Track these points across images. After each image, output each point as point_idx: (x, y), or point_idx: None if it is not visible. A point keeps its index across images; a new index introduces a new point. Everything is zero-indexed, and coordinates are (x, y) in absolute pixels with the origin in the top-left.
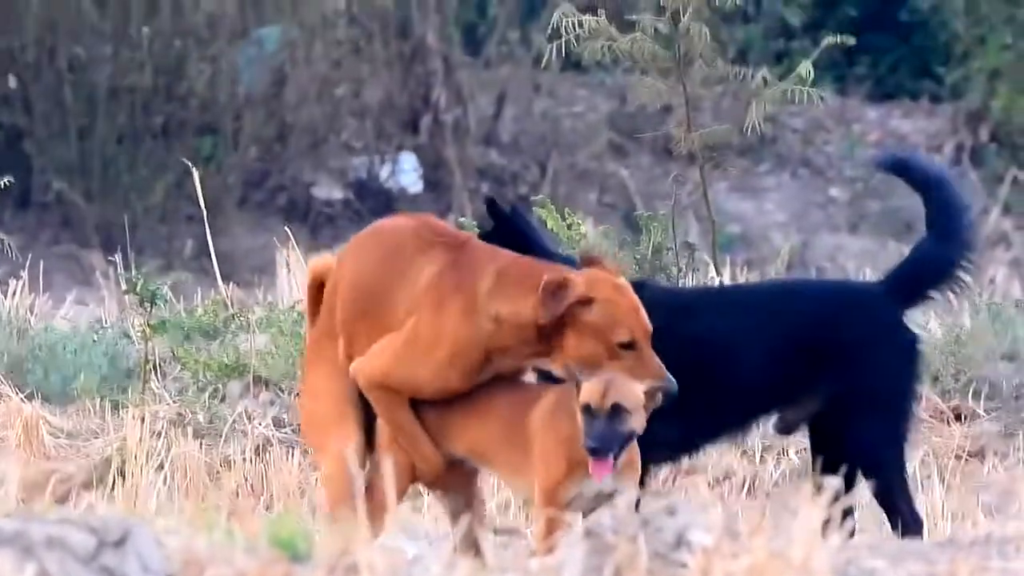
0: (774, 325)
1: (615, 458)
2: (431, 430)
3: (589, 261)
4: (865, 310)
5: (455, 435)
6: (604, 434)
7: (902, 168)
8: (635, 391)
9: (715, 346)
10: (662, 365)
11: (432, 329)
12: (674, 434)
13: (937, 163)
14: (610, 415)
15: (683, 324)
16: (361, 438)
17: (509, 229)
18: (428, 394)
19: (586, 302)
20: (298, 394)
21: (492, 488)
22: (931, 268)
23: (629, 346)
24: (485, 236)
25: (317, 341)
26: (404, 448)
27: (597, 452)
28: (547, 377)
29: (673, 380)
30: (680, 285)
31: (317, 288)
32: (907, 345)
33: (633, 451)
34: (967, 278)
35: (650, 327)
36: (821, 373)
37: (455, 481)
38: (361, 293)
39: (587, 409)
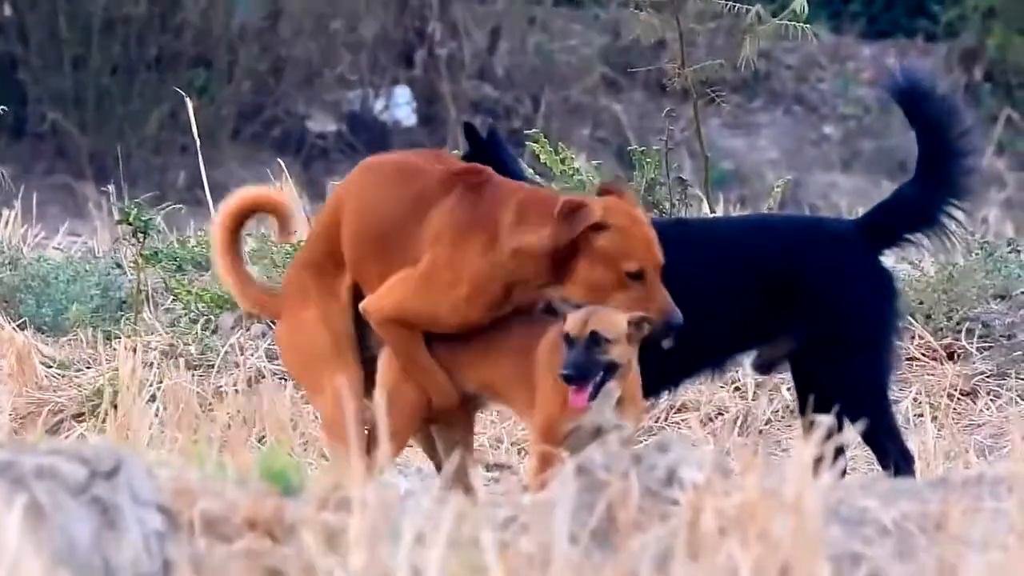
0: (744, 259)
1: (596, 388)
2: (444, 366)
3: (607, 190)
4: (835, 247)
5: (468, 370)
6: (579, 362)
7: (907, 100)
8: (617, 321)
9: (687, 279)
10: (670, 299)
11: (453, 264)
12: (650, 369)
13: (947, 101)
14: (588, 344)
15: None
16: (359, 371)
17: (484, 154)
18: (446, 329)
19: (601, 228)
20: (279, 322)
21: (484, 423)
22: (910, 211)
23: (638, 276)
24: (464, 160)
25: (302, 275)
26: (418, 383)
27: (571, 379)
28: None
29: (679, 315)
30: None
31: (241, 217)
32: (879, 282)
33: (635, 386)
34: (952, 224)
35: (661, 260)
36: (792, 311)
37: (457, 416)
38: (375, 229)
39: (567, 338)
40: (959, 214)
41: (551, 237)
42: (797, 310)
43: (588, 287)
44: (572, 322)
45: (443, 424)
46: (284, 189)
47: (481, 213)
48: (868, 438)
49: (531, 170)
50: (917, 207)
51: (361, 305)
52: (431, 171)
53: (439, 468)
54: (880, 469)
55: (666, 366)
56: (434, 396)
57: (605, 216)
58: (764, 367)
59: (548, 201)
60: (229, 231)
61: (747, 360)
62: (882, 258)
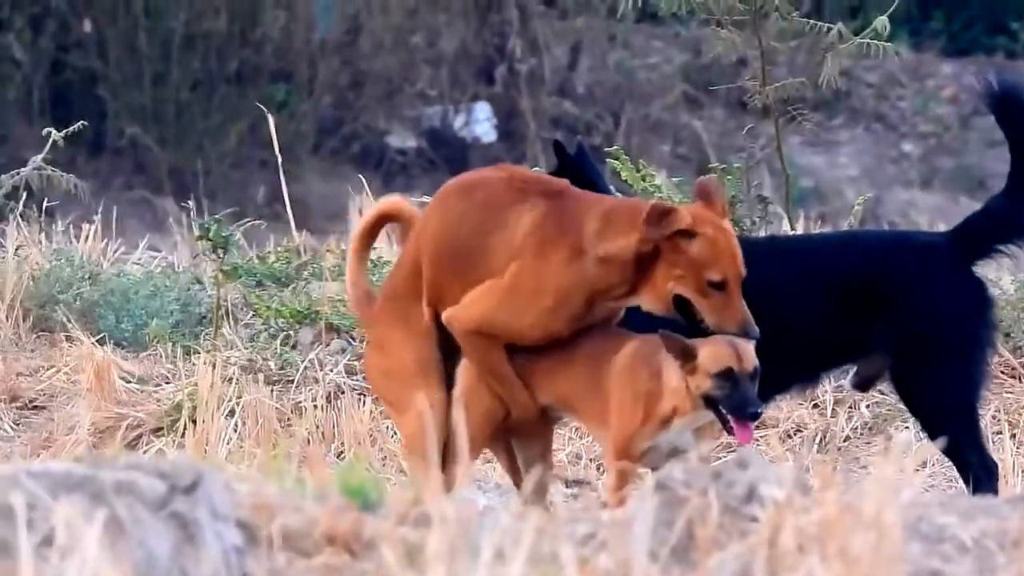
0: (836, 275)
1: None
2: (522, 378)
3: (704, 189)
4: (926, 259)
5: (543, 383)
6: (755, 398)
7: (1002, 110)
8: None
9: (780, 296)
10: (748, 312)
11: (537, 275)
12: None
13: None
14: (753, 377)
15: (750, 273)
16: (445, 394)
17: (574, 170)
18: (529, 340)
19: (688, 234)
20: (367, 345)
21: (563, 440)
22: (1001, 222)
23: (720, 286)
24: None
25: (392, 298)
26: (499, 395)
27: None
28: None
29: (756, 328)
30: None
31: (376, 225)
32: (971, 293)
33: None
34: None
35: (744, 273)
36: (884, 324)
37: (536, 430)
38: (453, 247)
39: (728, 374)
40: None
41: (639, 241)
42: (890, 324)
43: (663, 291)
44: (727, 356)
45: (523, 439)
46: (364, 205)
47: (564, 223)
48: (951, 452)
49: (611, 187)
50: (1009, 218)
51: (444, 315)
52: (499, 180)
53: (518, 485)
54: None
55: (761, 383)
56: (513, 408)
57: (693, 223)
58: (862, 384)
59: (632, 209)
60: (363, 239)
61: (847, 377)
62: (975, 269)
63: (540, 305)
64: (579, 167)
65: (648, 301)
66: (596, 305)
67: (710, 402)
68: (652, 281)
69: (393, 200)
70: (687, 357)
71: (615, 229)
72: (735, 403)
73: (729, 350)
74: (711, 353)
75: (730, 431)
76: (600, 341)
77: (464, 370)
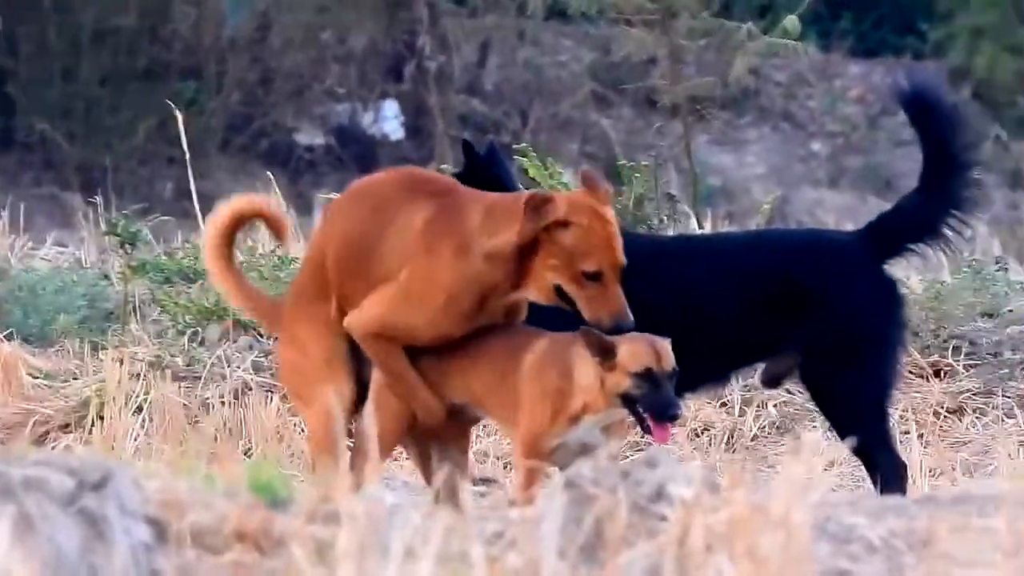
0: (748, 273)
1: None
2: (430, 378)
3: (587, 181)
4: (837, 258)
5: (454, 381)
6: (674, 398)
7: (915, 109)
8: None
9: (691, 295)
10: (625, 303)
11: (427, 275)
12: None
13: (955, 112)
14: (672, 377)
15: (659, 272)
16: (350, 389)
17: (483, 170)
18: (424, 341)
19: (563, 224)
20: (276, 342)
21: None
22: (912, 221)
23: (595, 276)
24: (457, 176)
25: (300, 295)
26: (402, 398)
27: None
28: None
29: (631, 319)
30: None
31: (234, 225)
32: (883, 292)
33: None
34: (953, 235)
35: (622, 262)
36: (795, 323)
37: (450, 433)
38: (352, 250)
39: (648, 373)
40: (950, 233)
41: (518, 233)
42: (800, 322)
43: (544, 284)
44: (647, 356)
45: (439, 440)
46: (272, 201)
47: (451, 221)
48: (861, 452)
49: (521, 186)
50: (920, 218)
51: (345, 321)
52: (391, 182)
53: (430, 482)
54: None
55: None
56: (417, 410)
57: (568, 212)
58: (771, 381)
59: (512, 202)
60: (222, 238)
61: (756, 374)
62: (886, 268)
63: (431, 305)
64: (489, 166)
65: (532, 293)
66: (490, 302)
67: (628, 401)
68: (532, 272)
69: (248, 199)
70: (606, 354)
71: (497, 224)
72: (654, 403)
73: (649, 349)
74: (631, 352)
75: (647, 431)
76: (510, 339)
77: (376, 373)
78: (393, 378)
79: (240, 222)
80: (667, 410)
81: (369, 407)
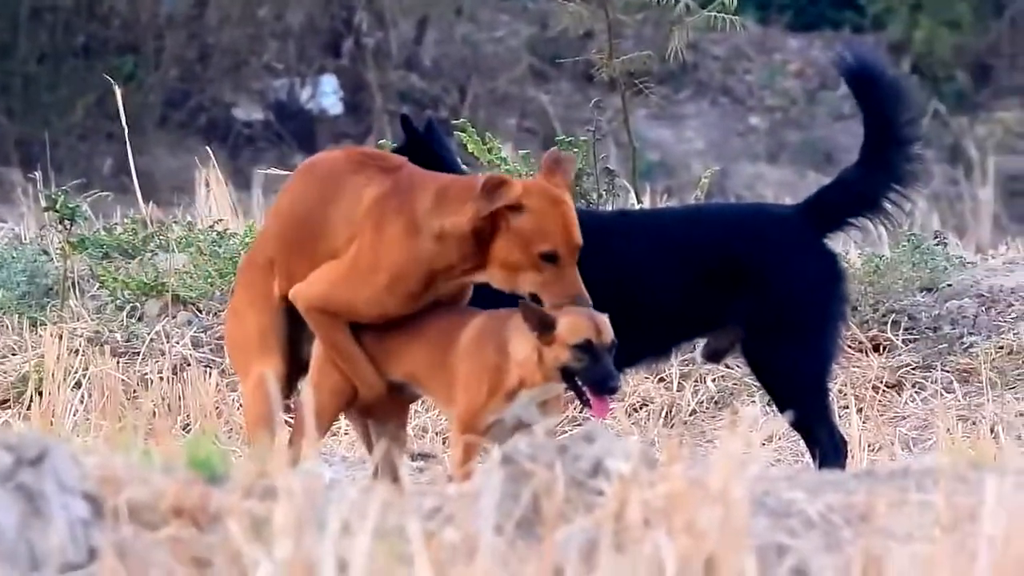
0: (688, 248)
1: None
2: (371, 355)
3: (553, 160)
4: (777, 232)
5: (393, 359)
6: (614, 371)
7: (858, 82)
8: (608, 322)
9: (630, 269)
10: (581, 285)
11: (373, 252)
12: None
13: (897, 85)
14: (609, 349)
15: (602, 247)
16: (283, 365)
17: (422, 146)
18: (367, 318)
19: (518, 207)
20: (223, 315)
21: (409, 413)
22: (853, 194)
23: (551, 258)
24: (397, 152)
25: (248, 268)
26: (343, 372)
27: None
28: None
29: (589, 300)
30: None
31: None
32: (824, 266)
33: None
34: (893, 208)
35: (578, 243)
36: (736, 297)
37: (388, 409)
38: (297, 226)
39: (587, 346)
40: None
41: (472, 213)
42: (740, 296)
43: (503, 268)
44: (587, 329)
45: (374, 418)
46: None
47: (400, 200)
48: (800, 426)
49: (460, 161)
50: (861, 191)
51: (290, 292)
52: (339, 159)
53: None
54: (809, 459)
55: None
56: (359, 385)
57: (524, 196)
58: (713, 355)
59: (467, 184)
60: None
61: (696, 349)
62: (827, 242)
63: (376, 283)
64: (429, 142)
65: (489, 277)
66: (438, 284)
67: (567, 374)
68: (490, 256)
69: None
70: (545, 327)
71: (450, 205)
72: (593, 376)
73: (588, 322)
74: (570, 324)
75: (587, 404)
76: (447, 317)
77: (317, 346)
78: (335, 352)
79: None
80: (606, 382)
81: (308, 382)
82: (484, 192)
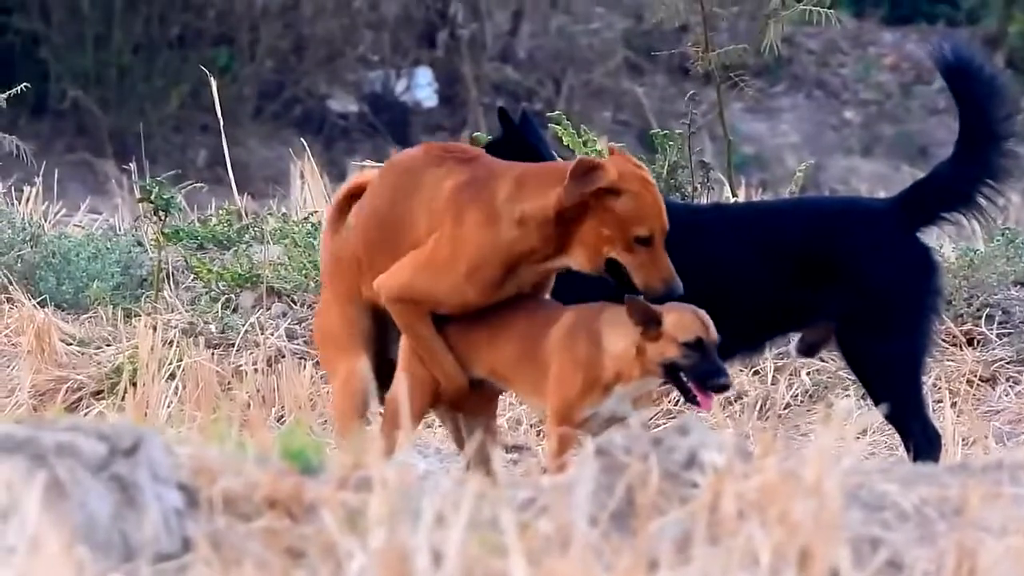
0: (781, 242)
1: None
2: (454, 350)
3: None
4: (870, 226)
5: (476, 355)
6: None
7: (955, 77)
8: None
9: (724, 263)
10: (672, 268)
11: (453, 241)
12: None
13: (994, 80)
14: (715, 347)
15: (696, 240)
16: (369, 361)
17: (518, 138)
18: (448, 308)
19: (614, 190)
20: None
21: (504, 405)
22: (947, 189)
23: (646, 241)
24: (494, 144)
25: (334, 264)
26: (426, 365)
27: (725, 388)
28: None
29: (680, 284)
30: (694, 202)
31: (348, 199)
32: (917, 260)
33: None
34: (988, 203)
35: (667, 226)
36: (830, 292)
37: (476, 404)
38: (381, 223)
39: (698, 343)
40: (985, 201)
41: (562, 196)
42: (834, 290)
43: (595, 250)
44: (697, 325)
45: (462, 412)
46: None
47: (479, 187)
48: (894, 420)
49: (555, 154)
50: (954, 186)
51: (375, 283)
52: (419, 153)
53: (462, 449)
54: (903, 452)
55: None
56: (441, 378)
57: (619, 178)
58: (808, 349)
59: (549, 170)
60: (338, 212)
61: (790, 344)
62: (921, 236)
63: (456, 271)
64: (524, 134)
65: (577, 261)
66: (520, 271)
67: (672, 370)
68: (580, 239)
69: (366, 174)
70: (651, 323)
71: (531, 190)
72: (704, 373)
73: (696, 319)
74: (679, 321)
75: (691, 400)
76: (532, 312)
77: (404, 339)
78: (418, 344)
79: (356, 196)
80: (717, 378)
81: (399, 375)
82: (577, 175)
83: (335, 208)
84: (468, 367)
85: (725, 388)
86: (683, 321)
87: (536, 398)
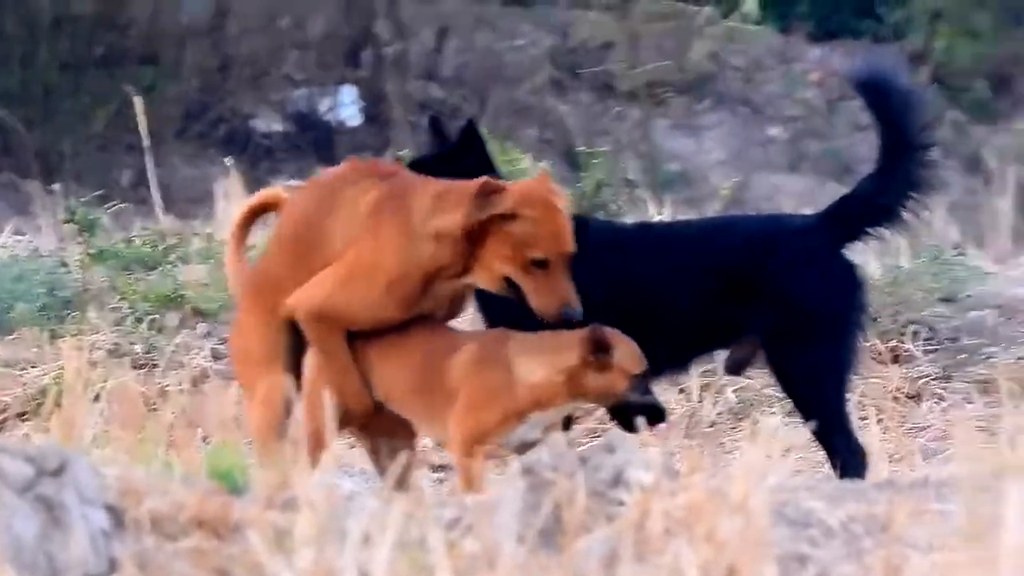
0: (707, 260)
1: None
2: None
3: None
4: (794, 242)
5: (374, 380)
6: (660, 401)
7: (871, 92)
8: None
9: (650, 282)
10: (572, 291)
11: (371, 255)
12: None
13: (911, 93)
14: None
15: (622, 259)
16: (289, 380)
17: (467, 151)
18: (364, 324)
19: (512, 214)
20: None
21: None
22: (870, 204)
23: (543, 264)
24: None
25: (254, 284)
26: (333, 384)
27: (664, 420)
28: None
29: (578, 308)
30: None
31: (252, 215)
32: (842, 276)
33: None
34: (911, 219)
35: (571, 250)
36: (755, 309)
37: (393, 425)
38: (300, 238)
39: (644, 377)
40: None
41: (464, 216)
42: (760, 308)
43: (494, 270)
44: (642, 360)
45: (385, 433)
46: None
47: (396, 203)
48: (820, 436)
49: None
50: (877, 201)
51: (289, 300)
52: (340, 169)
53: (381, 470)
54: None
55: None
56: (348, 399)
57: (520, 203)
58: (735, 367)
59: (461, 189)
60: (241, 229)
61: (716, 361)
62: (846, 252)
63: (374, 285)
64: (473, 147)
65: (480, 279)
66: (435, 287)
67: (617, 401)
68: (481, 258)
69: (272, 191)
70: (602, 353)
71: (446, 206)
72: (647, 406)
73: (638, 350)
74: (628, 353)
75: (631, 429)
76: (432, 339)
77: (310, 364)
78: (328, 362)
79: (259, 213)
80: (660, 414)
81: (304, 393)
82: (478, 198)
83: (238, 226)
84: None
85: (664, 420)
86: (632, 353)
87: (432, 425)
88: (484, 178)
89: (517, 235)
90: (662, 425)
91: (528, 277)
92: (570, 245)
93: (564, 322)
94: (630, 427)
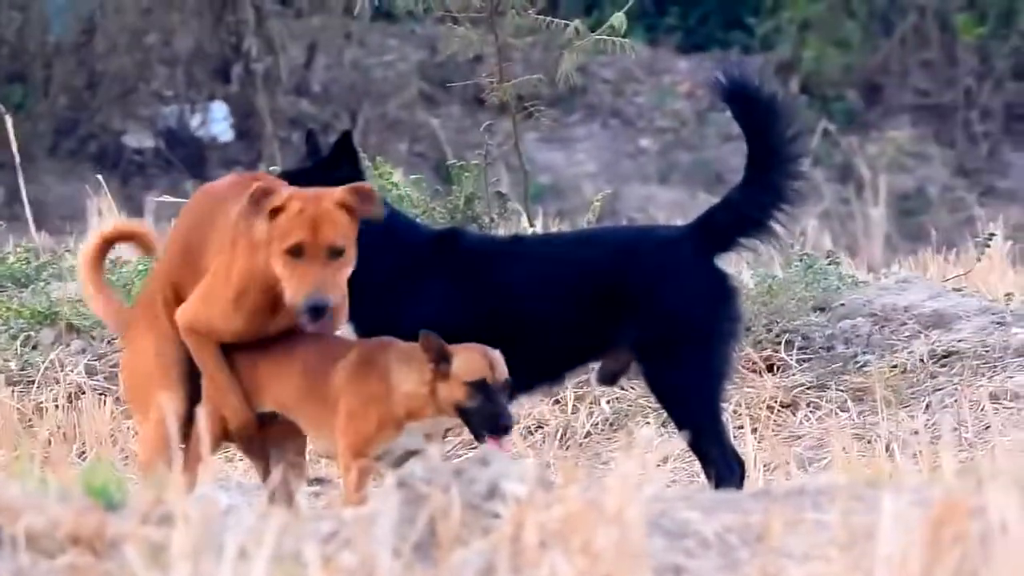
0: (577, 272)
1: None
2: (244, 384)
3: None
4: (663, 253)
5: (263, 389)
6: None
7: (735, 102)
8: (503, 360)
9: (524, 297)
10: (327, 280)
11: (225, 267)
12: None
13: (774, 103)
14: (503, 387)
15: (494, 273)
16: (184, 397)
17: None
18: (224, 336)
19: (277, 212)
20: (121, 349)
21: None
22: (738, 214)
23: (297, 253)
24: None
25: (145, 303)
26: (213, 399)
27: (507, 430)
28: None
29: (329, 297)
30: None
31: (105, 246)
32: (713, 286)
33: None
34: (781, 228)
35: (331, 243)
36: (626, 321)
37: (281, 437)
38: (185, 253)
39: (482, 385)
40: (778, 225)
41: (240, 216)
42: (632, 319)
43: (268, 273)
44: (483, 367)
45: (273, 445)
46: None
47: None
48: (695, 446)
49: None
50: (746, 211)
51: (175, 314)
52: (223, 183)
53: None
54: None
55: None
56: (225, 412)
57: (284, 200)
58: (608, 378)
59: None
60: (95, 259)
61: (590, 372)
62: (716, 261)
63: (225, 297)
64: (343, 156)
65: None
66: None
67: (461, 411)
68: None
69: (127, 223)
70: (441, 361)
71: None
72: (485, 415)
73: (483, 359)
74: (465, 361)
75: (481, 439)
76: (319, 347)
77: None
78: (205, 375)
79: (111, 244)
80: (498, 421)
81: (202, 408)
82: (250, 202)
83: (92, 256)
84: (257, 401)
85: (506, 431)
86: (468, 361)
87: (320, 432)
88: (264, 183)
89: (279, 228)
90: (506, 437)
91: (286, 269)
92: (329, 238)
93: (314, 313)
94: (479, 437)
